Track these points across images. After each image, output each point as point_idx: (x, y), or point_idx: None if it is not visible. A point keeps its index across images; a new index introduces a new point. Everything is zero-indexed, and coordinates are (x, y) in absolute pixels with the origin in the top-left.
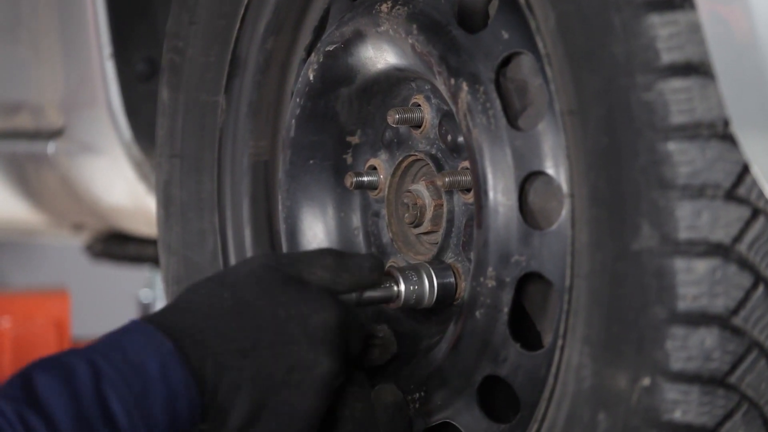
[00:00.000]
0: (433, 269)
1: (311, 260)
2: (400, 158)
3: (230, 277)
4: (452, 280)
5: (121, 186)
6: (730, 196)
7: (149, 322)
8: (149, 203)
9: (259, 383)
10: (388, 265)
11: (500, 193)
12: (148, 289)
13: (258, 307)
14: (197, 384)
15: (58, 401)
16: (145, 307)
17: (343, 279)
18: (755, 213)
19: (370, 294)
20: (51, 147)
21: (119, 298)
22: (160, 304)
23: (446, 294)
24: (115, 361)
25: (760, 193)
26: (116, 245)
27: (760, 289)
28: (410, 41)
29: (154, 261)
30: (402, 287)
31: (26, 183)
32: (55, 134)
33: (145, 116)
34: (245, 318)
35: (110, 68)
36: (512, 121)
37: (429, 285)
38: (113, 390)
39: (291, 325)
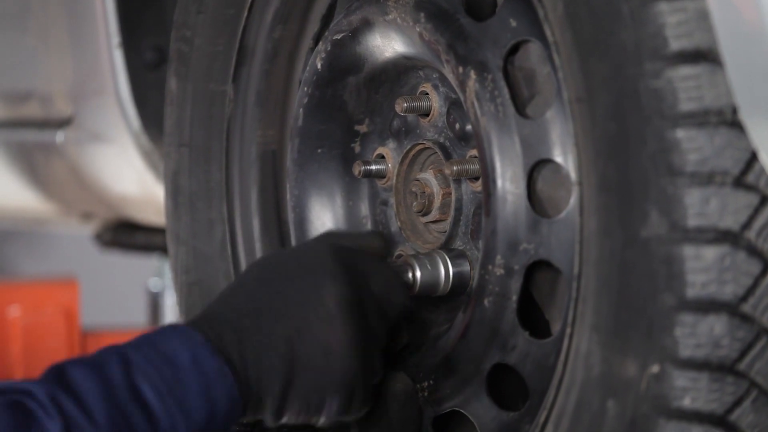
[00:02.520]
0: (448, 257)
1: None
2: (408, 147)
3: (254, 270)
4: (467, 267)
5: (129, 175)
6: (739, 183)
7: (185, 323)
8: (158, 192)
9: (294, 356)
10: (397, 253)
11: (508, 181)
12: (157, 278)
13: (281, 286)
14: (232, 372)
15: (91, 386)
16: (154, 296)
17: None
18: (764, 200)
19: None
20: (60, 136)
21: (128, 287)
22: (169, 293)
23: (461, 282)
24: (146, 353)
25: None
26: (125, 234)
27: None
28: (418, 29)
29: (163, 250)
30: (418, 274)
31: (35, 172)
32: (63, 123)
33: (154, 105)
34: (267, 297)
35: (119, 57)
36: (520, 109)
37: (444, 273)
38: (144, 377)
39: (311, 301)
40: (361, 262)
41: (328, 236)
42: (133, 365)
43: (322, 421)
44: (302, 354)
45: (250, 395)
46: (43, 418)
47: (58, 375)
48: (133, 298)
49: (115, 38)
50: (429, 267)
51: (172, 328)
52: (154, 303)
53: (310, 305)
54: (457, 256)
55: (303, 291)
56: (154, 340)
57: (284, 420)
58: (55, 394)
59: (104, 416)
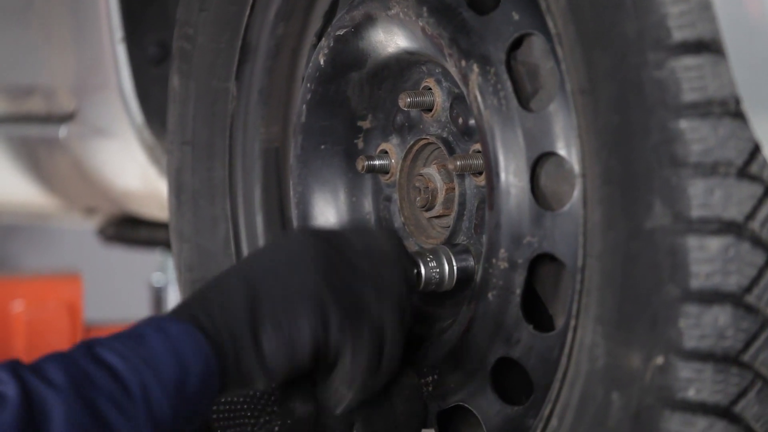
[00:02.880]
0: (452, 252)
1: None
2: (412, 142)
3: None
4: (471, 263)
5: (132, 169)
6: (743, 173)
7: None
8: (161, 187)
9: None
10: None
11: (512, 175)
12: (160, 273)
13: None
14: (199, 329)
15: (52, 361)
16: (157, 290)
17: None
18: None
19: None
20: (63, 130)
21: (131, 282)
22: (172, 288)
23: (465, 277)
24: (110, 336)
25: None
26: (128, 229)
27: None
28: (420, 24)
29: (166, 244)
30: (422, 270)
31: (38, 167)
32: (66, 118)
33: (157, 100)
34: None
35: (122, 52)
36: (523, 102)
37: (449, 268)
38: (106, 347)
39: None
40: (348, 247)
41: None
42: (96, 343)
43: (307, 351)
44: (264, 287)
45: (223, 347)
46: (1, 388)
47: (24, 362)
48: (136, 292)
49: (118, 33)
50: (433, 262)
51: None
52: (157, 298)
53: (276, 261)
54: (461, 252)
55: (272, 256)
56: (122, 331)
57: (268, 362)
58: (16, 369)
59: (63, 379)
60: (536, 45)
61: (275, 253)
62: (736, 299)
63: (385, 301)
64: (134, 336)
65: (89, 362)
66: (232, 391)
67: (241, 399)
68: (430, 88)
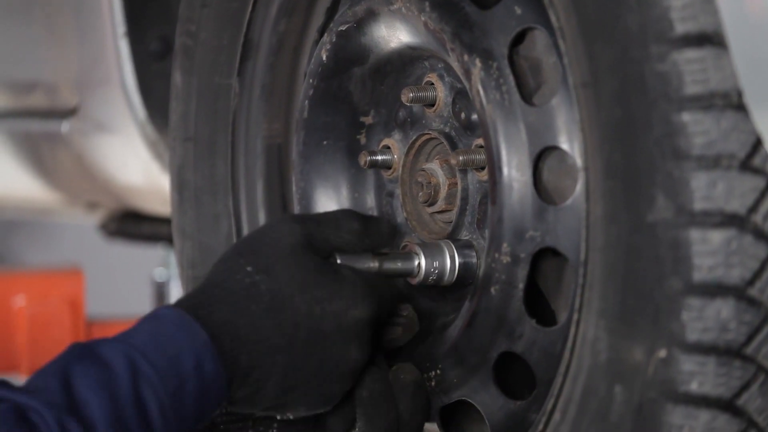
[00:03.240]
0: (455, 246)
1: (338, 224)
2: (414, 137)
3: (263, 260)
4: (474, 258)
5: (135, 165)
6: (745, 166)
7: (184, 309)
8: (163, 182)
9: (290, 375)
10: (403, 243)
11: (514, 169)
12: (162, 268)
13: (295, 304)
14: (227, 376)
15: (98, 404)
16: (160, 286)
17: (365, 243)
18: None
19: (389, 266)
20: (65, 126)
21: (134, 277)
22: (174, 283)
23: (467, 272)
24: (152, 357)
25: None
26: (130, 224)
27: None
28: (423, 19)
29: (168, 240)
30: (422, 261)
31: (40, 162)
32: (69, 113)
33: (159, 95)
34: (281, 315)
35: (124, 47)
36: (526, 96)
37: (450, 262)
38: (150, 389)
39: (326, 323)
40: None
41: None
42: (140, 375)
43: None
44: (297, 391)
45: (240, 392)
46: None
47: (66, 388)
48: (138, 288)
49: (121, 28)
50: (434, 255)
51: (177, 319)
52: (160, 293)
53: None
54: (463, 246)
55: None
56: (161, 342)
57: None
58: (63, 420)
59: None
60: (539, 39)
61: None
62: (738, 292)
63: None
64: (175, 369)
65: (134, 413)
66: None
67: None
68: (433, 83)
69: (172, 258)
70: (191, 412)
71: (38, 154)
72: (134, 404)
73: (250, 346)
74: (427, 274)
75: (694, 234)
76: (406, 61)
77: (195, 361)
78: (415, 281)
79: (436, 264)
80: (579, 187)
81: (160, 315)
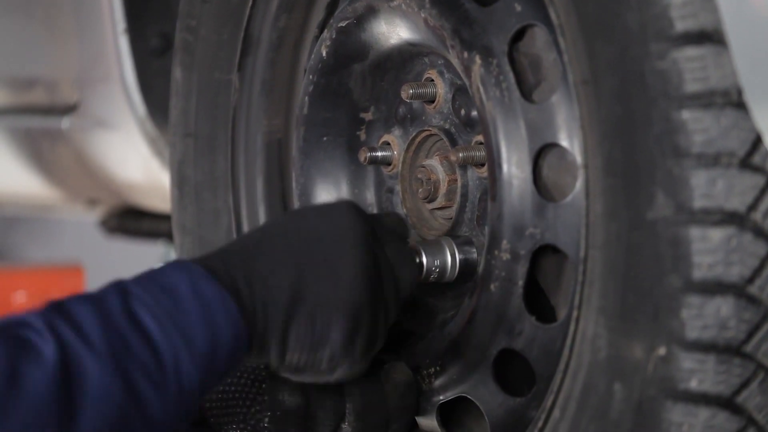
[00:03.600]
0: (455, 243)
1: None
2: (414, 134)
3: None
4: (474, 255)
5: (135, 161)
6: (745, 164)
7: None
8: (163, 178)
9: (302, 275)
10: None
11: (514, 166)
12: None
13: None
14: (235, 299)
15: (88, 314)
16: None
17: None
18: None
19: None
20: (65, 122)
21: (134, 274)
22: None
23: (468, 268)
24: (144, 285)
25: None
26: (131, 220)
27: None
28: (423, 15)
29: (168, 236)
30: (424, 259)
31: (41, 158)
32: (69, 110)
33: (159, 91)
34: (284, 228)
35: (124, 43)
36: (526, 93)
37: (451, 259)
38: (142, 305)
39: (323, 235)
40: (381, 229)
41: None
42: (132, 295)
43: (326, 356)
44: (309, 276)
45: (255, 323)
46: (38, 342)
47: (57, 306)
48: None
49: (121, 24)
50: (436, 253)
51: (175, 263)
52: None
53: (324, 240)
54: (464, 243)
55: (319, 228)
56: (154, 274)
57: (288, 354)
58: (52, 321)
59: (102, 341)
60: (538, 36)
61: (325, 228)
62: (738, 290)
63: (395, 307)
64: (168, 290)
65: (126, 323)
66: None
67: (233, 389)
68: (433, 80)
69: (173, 254)
70: (199, 333)
71: (38, 151)
72: (125, 314)
73: (254, 262)
74: (429, 272)
75: (694, 232)
76: (406, 57)
77: (191, 285)
78: (417, 280)
79: (437, 262)
80: (579, 184)
81: (158, 269)
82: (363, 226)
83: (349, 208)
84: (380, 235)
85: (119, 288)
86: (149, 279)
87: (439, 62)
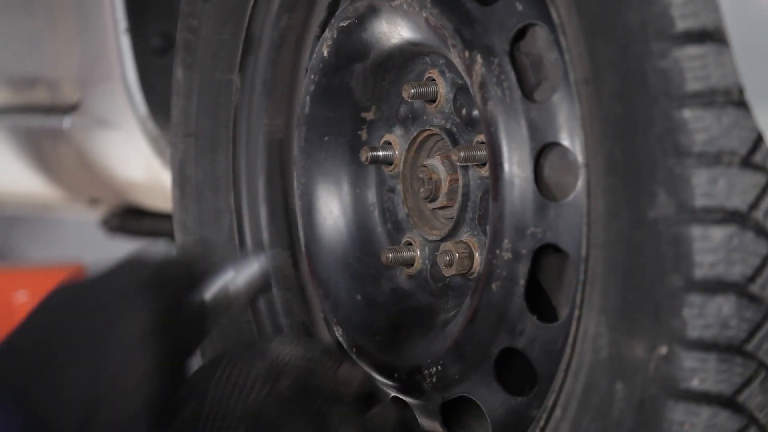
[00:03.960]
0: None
1: None
2: (415, 133)
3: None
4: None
5: (136, 160)
6: (747, 163)
7: None
8: (165, 178)
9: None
10: (405, 239)
11: (516, 165)
12: None
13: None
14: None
15: None
16: None
17: None
18: None
19: None
20: (66, 121)
21: None
22: None
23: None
24: None
25: None
26: (132, 220)
27: None
28: (424, 15)
29: (170, 236)
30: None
31: (42, 157)
32: (70, 109)
33: (161, 91)
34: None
35: (125, 42)
36: (527, 93)
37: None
38: None
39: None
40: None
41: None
42: None
43: None
44: (102, 387)
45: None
46: None
47: None
48: None
49: (122, 23)
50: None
51: None
52: None
53: (108, 337)
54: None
55: (99, 323)
56: None
57: None
58: None
59: None
60: (540, 35)
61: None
62: (739, 289)
63: None
64: None
65: None
66: None
67: None
68: (434, 79)
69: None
70: None
71: (39, 150)
72: None
73: (38, 377)
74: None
75: (695, 231)
76: (407, 57)
77: None
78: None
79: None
80: (580, 183)
81: None
82: (141, 307)
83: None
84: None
85: None
86: None
87: (441, 62)
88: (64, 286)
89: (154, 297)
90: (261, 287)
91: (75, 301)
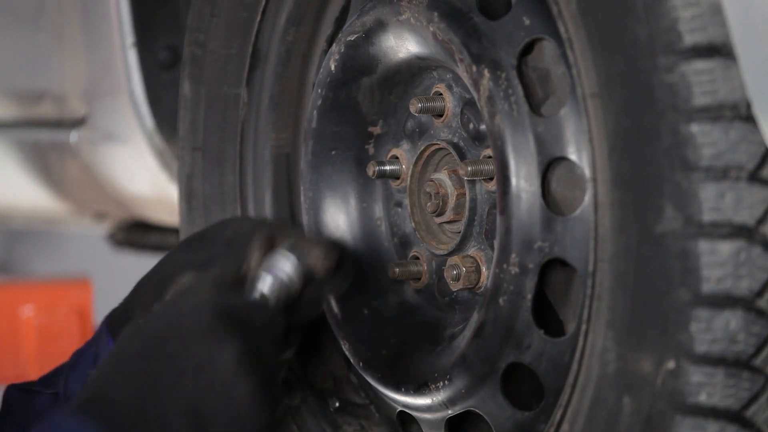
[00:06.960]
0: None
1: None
2: (422, 147)
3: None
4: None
5: (143, 174)
6: (754, 177)
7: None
8: (172, 192)
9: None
10: (412, 254)
11: (523, 180)
12: None
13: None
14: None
15: None
16: None
17: None
18: None
19: None
20: (73, 136)
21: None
22: None
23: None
24: None
25: None
26: (138, 234)
27: None
28: (431, 29)
29: None
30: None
31: (49, 172)
32: (77, 123)
33: (168, 105)
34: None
35: (132, 57)
36: (534, 107)
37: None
38: None
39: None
40: (240, 313)
41: (201, 286)
42: None
43: None
44: (210, 419)
45: None
46: None
47: None
48: None
49: (129, 38)
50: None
51: (66, 419)
52: None
53: (205, 370)
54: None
55: (196, 356)
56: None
57: None
58: None
59: None
60: (547, 50)
61: (204, 363)
62: (747, 303)
63: None
64: None
65: None
66: None
67: None
68: (441, 94)
69: None
70: None
71: (47, 164)
72: None
73: (147, 416)
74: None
75: (703, 245)
76: (414, 71)
77: None
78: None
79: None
80: (587, 197)
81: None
82: (231, 334)
83: (208, 314)
84: (243, 318)
85: None
86: None
87: (448, 76)
88: (134, 331)
89: (230, 325)
90: (309, 276)
91: (157, 347)
